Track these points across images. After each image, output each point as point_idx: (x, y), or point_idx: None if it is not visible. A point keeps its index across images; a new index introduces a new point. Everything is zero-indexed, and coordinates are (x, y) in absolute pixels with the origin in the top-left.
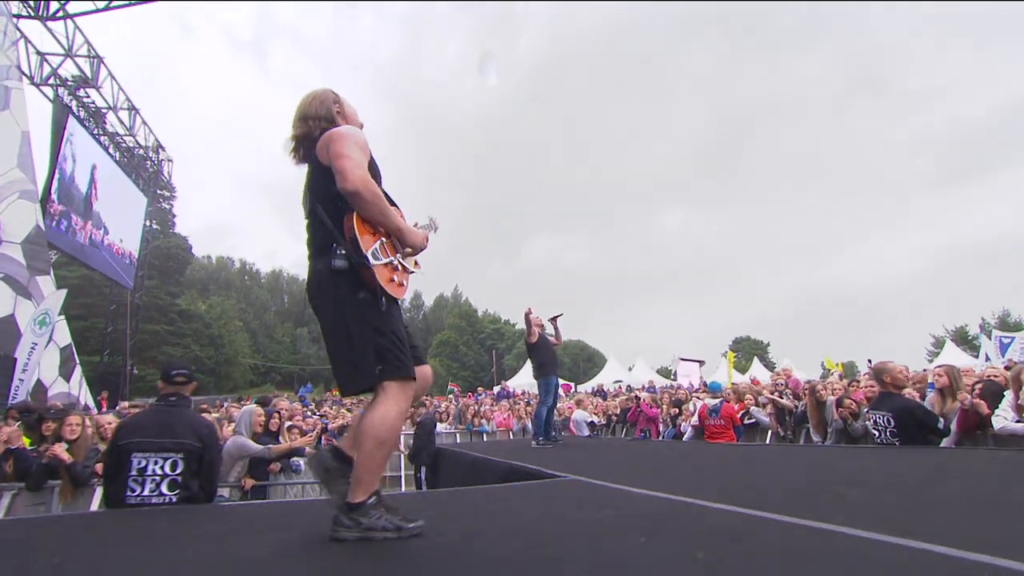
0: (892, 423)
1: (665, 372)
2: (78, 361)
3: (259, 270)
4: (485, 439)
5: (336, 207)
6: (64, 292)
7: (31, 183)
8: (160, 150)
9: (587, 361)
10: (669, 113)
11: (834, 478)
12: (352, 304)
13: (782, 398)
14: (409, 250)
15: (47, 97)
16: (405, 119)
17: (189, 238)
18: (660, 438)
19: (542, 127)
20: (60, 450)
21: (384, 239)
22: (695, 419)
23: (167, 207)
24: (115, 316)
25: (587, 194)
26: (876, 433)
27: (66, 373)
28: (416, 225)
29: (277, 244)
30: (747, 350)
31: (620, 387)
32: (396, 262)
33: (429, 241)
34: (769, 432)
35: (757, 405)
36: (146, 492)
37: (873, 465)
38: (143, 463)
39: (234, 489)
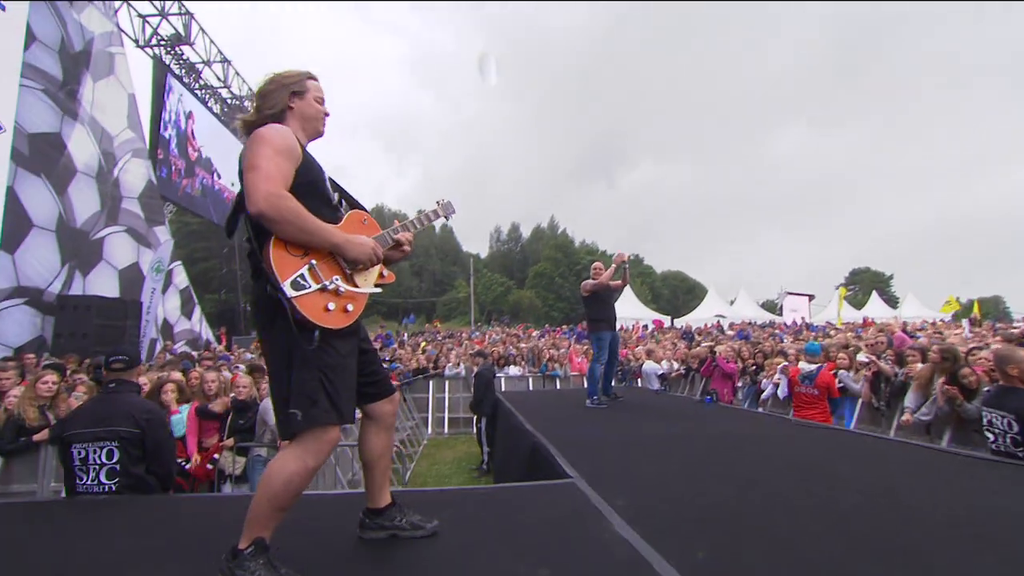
0: (1015, 428)
1: (770, 306)
2: (197, 301)
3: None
4: (558, 385)
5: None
6: (171, 242)
7: (141, 141)
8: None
9: (687, 293)
10: (786, 13)
11: (886, 525)
12: (281, 336)
13: (880, 359)
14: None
15: (151, 57)
16: (506, 50)
17: None
18: (736, 397)
19: (645, 49)
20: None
21: (316, 260)
22: (781, 379)
23: None
24: (228, 257)
25: (693, 117)
26: (991, 436)
27: (187, 312)
28: (424, 212)
29: (383, 180)
30: (866, 283)
31: (719, 322)
32: (335, 285)
33: (409, 244)
34: (859, 403)
35: (851, 368)
36: (88, 481)
37: (955, 500)
38: (83, 453)
39: (271, 449)
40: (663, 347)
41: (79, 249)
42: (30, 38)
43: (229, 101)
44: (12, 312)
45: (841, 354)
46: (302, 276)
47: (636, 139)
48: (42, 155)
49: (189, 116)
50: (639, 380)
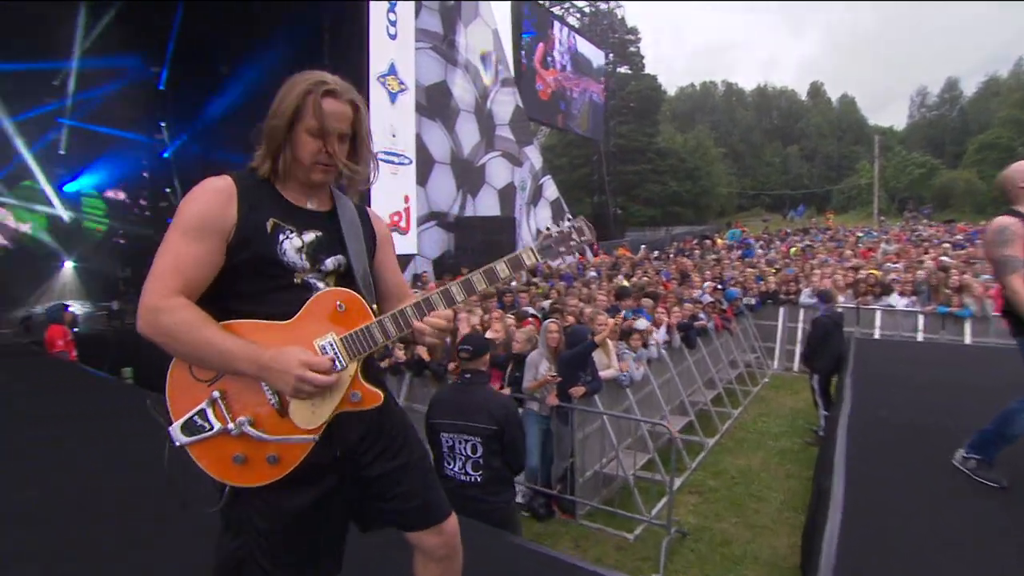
0: None
1: None
2: (567, 209)
3: (742, 88)
4: (967, 333)
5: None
6: (536, 160)
7: (507, 71)
8: (609, 1)
9: None
10: None
11: None
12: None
13: None
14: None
15: None
16: None
17: (659, 77)
18: None
19: None
20: (422, 350)
21: (226, 389)
22: None
23: (634, 50)
24: (598, 164)
25: None
26: None
27: (557, 221)
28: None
29: (777, 51)
30: None
31: None
32: (241, 430)
33: (446, 326)
34: None
35: None
36: (456, 468)
37: None
38: (450, 442)
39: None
40: None
41: (467, 176)
42: (418, 6)
43: (586, 11)
44: (429, 232)
45: None
46: (201, 414)
47: None
48: (435, 103)
49: (549, 37)
50: None
